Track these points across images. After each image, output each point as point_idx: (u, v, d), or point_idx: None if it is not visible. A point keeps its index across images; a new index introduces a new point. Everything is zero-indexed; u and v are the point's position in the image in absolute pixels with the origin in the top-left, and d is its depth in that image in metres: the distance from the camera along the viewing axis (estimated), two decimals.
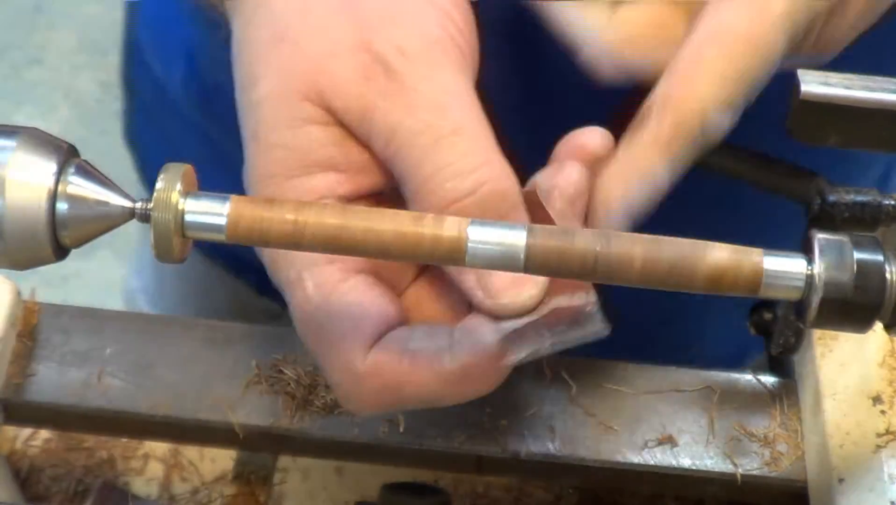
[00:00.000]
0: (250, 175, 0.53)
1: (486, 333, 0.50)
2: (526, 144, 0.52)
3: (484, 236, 0.46)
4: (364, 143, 0.52)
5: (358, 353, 0.51)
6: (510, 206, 0.50)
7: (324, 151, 0.52)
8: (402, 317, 0.53)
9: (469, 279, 0.50)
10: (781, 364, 0.70)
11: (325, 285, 0.51)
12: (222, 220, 0.46)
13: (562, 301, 0.50)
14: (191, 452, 0.76)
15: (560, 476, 0.70)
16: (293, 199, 0.50)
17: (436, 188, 0.50)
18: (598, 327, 0.50)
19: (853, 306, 0.46)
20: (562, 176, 0.52)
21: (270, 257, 0.54)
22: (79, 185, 0.46)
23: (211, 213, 0.46)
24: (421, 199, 0.50)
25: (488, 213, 0.49)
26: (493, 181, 0.50)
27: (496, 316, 0.50)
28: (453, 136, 0.50)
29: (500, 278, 0.49)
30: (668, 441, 0.66)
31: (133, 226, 0.47)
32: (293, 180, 0.52)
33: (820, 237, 0.47)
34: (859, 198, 0.57)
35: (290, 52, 0.51)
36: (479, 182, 0.49)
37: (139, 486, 0.75)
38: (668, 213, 0.53)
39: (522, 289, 0.49)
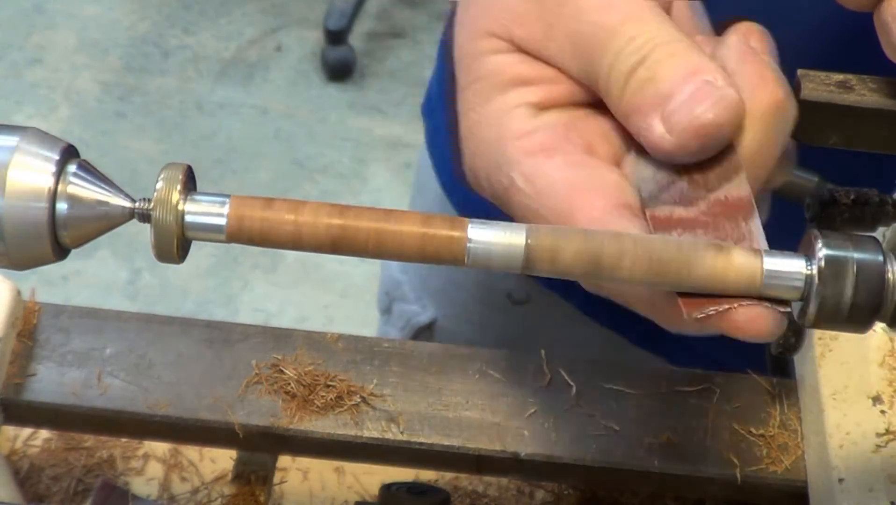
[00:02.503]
0: (460, 125, 0.56)
1: None
2: None
3: (484, 236, 0.46)
4: (550, 61, 0.54)
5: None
6: (684, 55, 0.51)
7: (511, 70, 0.55)
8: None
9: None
10: (781, 364, 0.70)
11: (534, 175, 0.53)
12: (222, 221, 0.46)
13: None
14: (191, 452, 0.76)
15: (560, 476, 0.70)
16: (499, 121, 0.53)
17: (615, 74, 0.51)
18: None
19: (853, 306, 0.46)
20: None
21: (478, 179, 0.55)
22: (79, 185, 0.46)
23: (211, 213, 0.46)
24: (609, 94, 0.52)
25: (666, 68, 0.50)
26: (662, 44, 0.51)
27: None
28: (622, 26, 0.52)
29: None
30: (668, 441, 0.66)
31: None
32: (489, 105, 0.55)
33: (820, 237, 0.47)
34: (859, 198, 0.57)
35: (474, 6, 0.57)
36: (647, 49, 0.51)
37: (139, 486, 0.75)
38: None
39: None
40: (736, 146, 0.50)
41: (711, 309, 0.47)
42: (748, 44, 0.53)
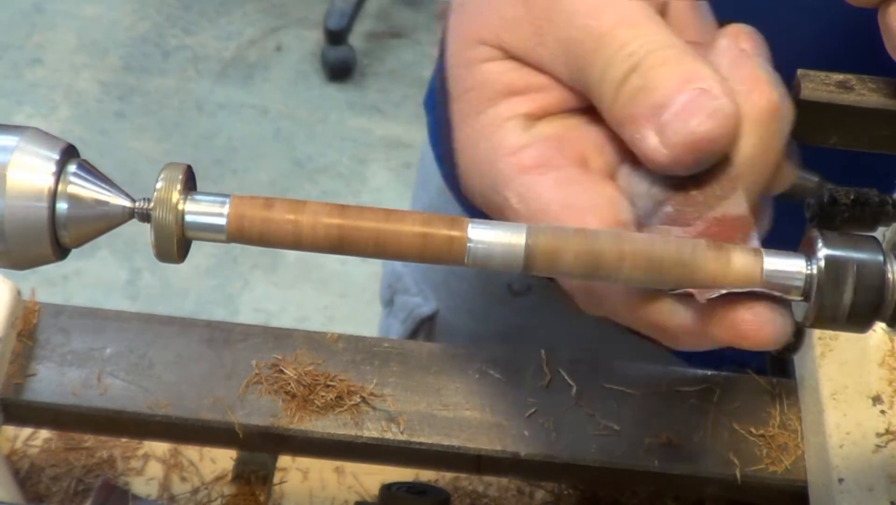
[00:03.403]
0: (454, 137, 0.55)
1: None
2: None
3: (484, 236, 0.46)
4: (541, 68, 0.53)
5: None
6: (678, 61, 0.50)
7: (502, 80, 0.53)
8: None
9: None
10: (781, 364, 0.70)
11: (527, 196, 0.52)
12: (222, 221, 0.46)
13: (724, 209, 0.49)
14: (191, 452, 0.76)
15: (560, 476, 0.70)
16: (491, 135, 0.52)
17: (607, 81, 0.50)
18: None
19: (853, 306, 0.46)
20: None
21: (473, 194, 0.55)
22: (79, 185, 0.46)
23: (211, 213, 0.46)
24: (601, 102, 0.51)
25: (659, 76, 0.49)
26: (655, 50, 0.49)
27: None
28: (613, 31, 0.50)
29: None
30: (668, 441, 0.66)
31: None
32: (481, 117, 0.53)
33: (820, 237, 0.47)
34: (859, 198, 0.57)
35: (465, 14, 0.56)
36: (639, 56, 0.49)
37: (139, 486, 0.74)
38: None
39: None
40: (732, 155, 0.49)
41: (721, 290, 0.46)
42: (738, 46, 0.52)
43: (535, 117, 0.53)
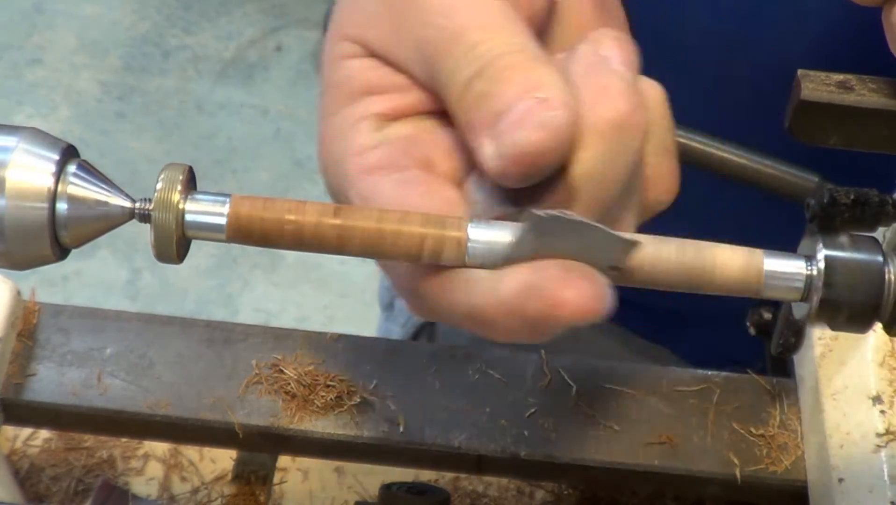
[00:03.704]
0: (317, 132, 0.54)
1: None
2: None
3: (484, 236, 0.46)
4: (400, 67, 0.52)
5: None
6: (523, 68, 0.47)
7: (362, 77, 0.53)
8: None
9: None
10: (781, 364, 0.70)
11: (369, 196, 0.50)
12: (222, 220, 0.46)
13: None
14: (191, 452, 0.76)
15: (560, 476, 0.70)
16: (344, 135, 0.51)
17: (454, 84, 0.48)
18: None
19: (853, 306, 0.46)
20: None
21: (330, 192, 0.54)
22: (79, 185, 0.46)
23: (211, 213, 0.46)
24: (449, 105, 0.49)
25: (502, 82, 0.47)
26: (503, 54, 0.47)
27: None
28: (464, 32, 0.49)
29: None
30: (668, 441, 0.66)
31: None
32: (340, 113, 0.53)
33: (820, 237, 0.47)
34: (859, 198, 0.57)
35: (338, 10, 0.55)
36: (486, 60, 0.47)
37: (139, 486, 0.75)
38: (669, 215, 0.53)
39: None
40: (570, 168, 0.47)
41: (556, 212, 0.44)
42: (597, 52, 0.49)
43: (389, 118, 0.52)
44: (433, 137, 0.51)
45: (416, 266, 0.48)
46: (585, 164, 0.47)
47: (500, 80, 0.47)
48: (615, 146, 0.47)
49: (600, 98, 0.47)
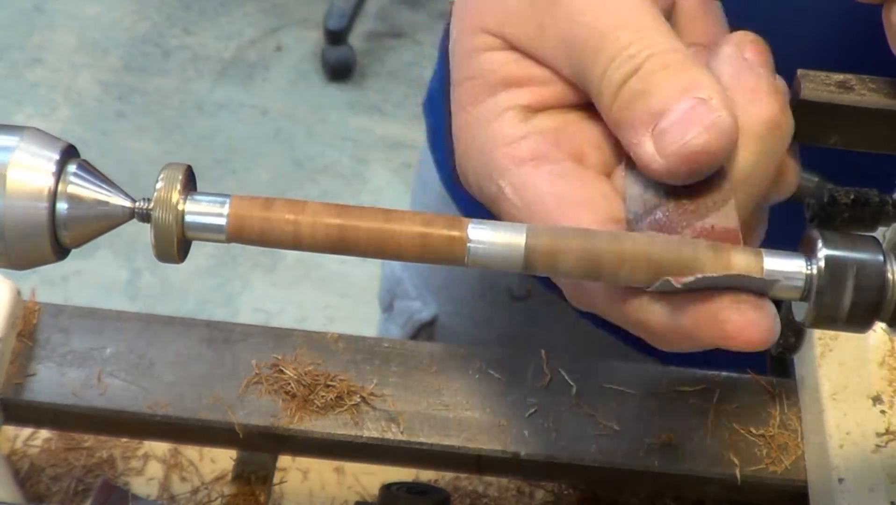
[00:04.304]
0: (452, 122, 0.55)
1: None
2: None
3: (484, 236, 0.46)
4: (543, 62, 0.53)
5: None
6: (679, 68, 0.49)
7: (503, 70, 0.53)
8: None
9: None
10: (781, 364, 0.70)
11: (522, 186, 0.51)
12: (222, 221, 0.46)
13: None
14: (191, 452, 0.76)
15: (560, 476, 0.70)
16: (489, 125, 0.52)
17: (607, 83, 0.50)
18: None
19: (853, 306, 0.46)
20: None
21: (468, 182, 0.54)
22: (79, 185, 0.46)
23: (211, 213, 0.46)
24: (600, 101, 0.50)
25: (659, 82, 0.48)
26: (657, 54, 0.49)
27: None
28: (615, 31, 0.50)
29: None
30: (668, 441, 0.66)
31: None
32: (480, 106, 0.53)
33: (820, 237, 0.47)
34: (859, 198, 0.57)
35: (470, 2, 0.55)
36: (640, 59, 0.49)
37: (139, 486, 0.75)
38: None
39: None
40: (729, 167, 0.49)
41: (697, 275, 0.45)
42: (743, 55, 0.51)
43: (534, 110, 0.53)
44: (580, 130, 0.53)
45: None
46: (743, 162, 0.49)
47: (658, 78, 0.48)
48: (769, 146, 0.49)
49: (753, 100, 0.49)
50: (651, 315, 0.48)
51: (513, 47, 0.53)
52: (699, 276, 0.45)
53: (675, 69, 0.48)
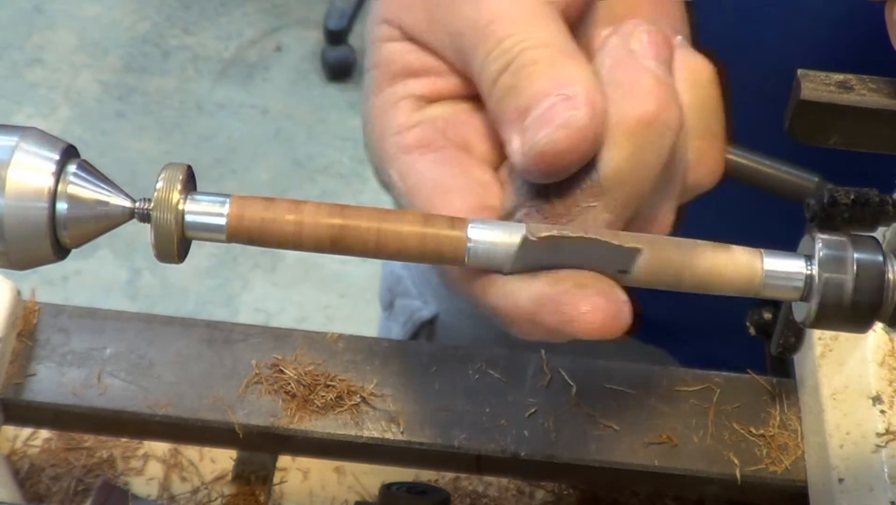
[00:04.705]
0: (361, 112, 0.56)
1: None
2: None
3: (484, 236, 0.46)
4: (436, 53, 0.53)
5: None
6: (550, 63, 0.47)
7: (401, 60, 0.54)
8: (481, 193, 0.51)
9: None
10: (781, 364, 0.70)
11: (406, 174, 0.52)
12: (222, 221, 0.46)
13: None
14: (191, 452, 0.76)
15: (560, 476, 0.70)
16: (385, 114, 0.53)
17: (484, 77, 0.49)
18: None
19: (853, 306, 0.46)
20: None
21: (374, 168, 0.55)
22: (79, 185, 0.46)
23: (211, 213, 0.46)
24: (482, 96, 0.50)
25: (528, 77, 0.47)
26: (530, 48, 0.48)
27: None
28: (491, 25, 0.49)
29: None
30: (668, 441, 0.66)
31: None
32: (383, 93, 0.54)
33: (820, 237, 0.47)
34: (859, 198, 0.57)
35: None
36: (513, 54, 0.48)
37: (139, 486, 0.74)
38: None
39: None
40: (598, 165, 0.47)
41: (553, 232, 0.45)
42: (628, 46, 0.49)
43: (428, 100, 0.53)
44: (470, 120, 0.52)
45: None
46: (613, 162, 0.47)
47: (527, 75, 0.47)
48: (644, 145, 0.47)
49: (628, 96, 0.47)
50: (500, 299, 0.47)
51: (410, 38, 0.54)
52: (555, 232, 0.44)
53: (546, 64, 0.47)
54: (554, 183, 0.47)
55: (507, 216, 0.49)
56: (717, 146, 0.51)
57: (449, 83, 0.53)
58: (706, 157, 0.50)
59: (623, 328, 0.45)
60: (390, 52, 0.54)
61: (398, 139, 0.52)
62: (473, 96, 0.53)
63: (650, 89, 0.47)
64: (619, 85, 0.47)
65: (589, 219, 0.47)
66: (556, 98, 0.46)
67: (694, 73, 0.50)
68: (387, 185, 0.54)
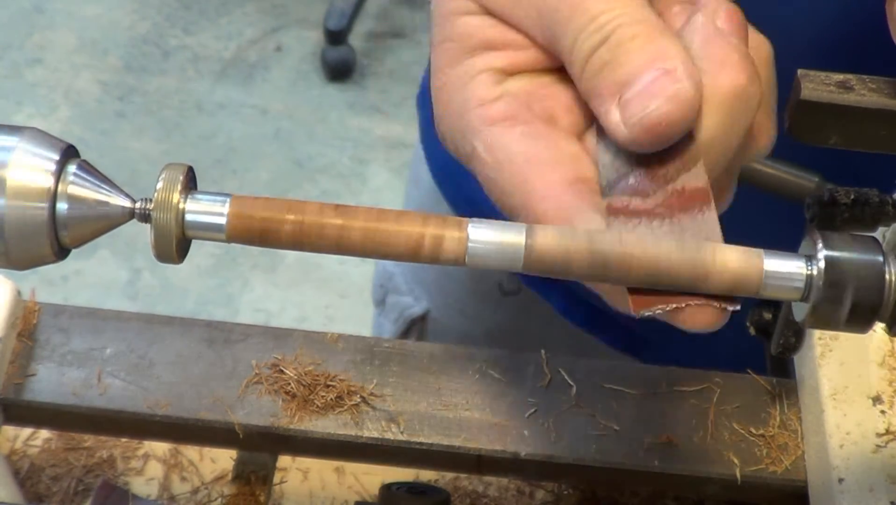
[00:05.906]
0: (431, 84, 0.56)
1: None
2: None
3: (484, 236, 0.46)
4: (517, 27, 0.54)
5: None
6: (646, 38, 0.49)
7: (480, 34, 0.54)
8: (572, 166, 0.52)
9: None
10: (781, 364, 0.70)
11: (493, 147, 0.52)
12: (222, 220, 0.46)
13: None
14: (191, 452, 0.76)
15: (560, 476, 0.70)
16: (465, 87, 0.53)
17: (577, 52, 0.50)
18: None
19: (853, 307, 0.46)
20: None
21: (445, 142, 0.55)
22: (79, 185, 0.46)
23: (211, 212, 0.46)
24: (571, 69, 0.51)
25: (626, 52, 0.49)
26: (626, 24, 0.49)
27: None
28: (586, 1, 0.50)
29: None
30: (668, 441, 0.66)
31: None
32: (456, 68, 0.54)
33: (820, 237, 0.47)
34: (859, 198, 0.57)
35: None
36: (609, 29, 0.50)
37: (139, 486, 0.75)
38: None
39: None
40: (695, 133, 0.50)
41: (658, 308, 0.47)
42: (715, 23, 0.52)
43: (508, 73, 0.54)
44: (552, 93, 0.54)
45: None
46: (709, 131, 0.50)
47: (625, 50, 0.49)
48: (735, 114, 0.50)
49: (720, 69, 0.50)
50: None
51: (489, 12, 0.54)
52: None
53: (642, 39, 0.49)
54: (652, 153, 0.50)
55: (609, 186, 0.51)
56: (773, 118, 0.54)
57: (529, 56, 0.54)
58: (764, 129, 0.53)
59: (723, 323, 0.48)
60: (468, 25, 0.54)
61: (481, 111, 0.53)
62: (552, 69, 0.54)
63: (741, 64, 0.50)
64: (711, 60, 0.50)
65: (691, 178, 0.50)
66: (657, 72, 0.48)
67: (757, 50, 0.53)
68: (468, 157, 0.54)
